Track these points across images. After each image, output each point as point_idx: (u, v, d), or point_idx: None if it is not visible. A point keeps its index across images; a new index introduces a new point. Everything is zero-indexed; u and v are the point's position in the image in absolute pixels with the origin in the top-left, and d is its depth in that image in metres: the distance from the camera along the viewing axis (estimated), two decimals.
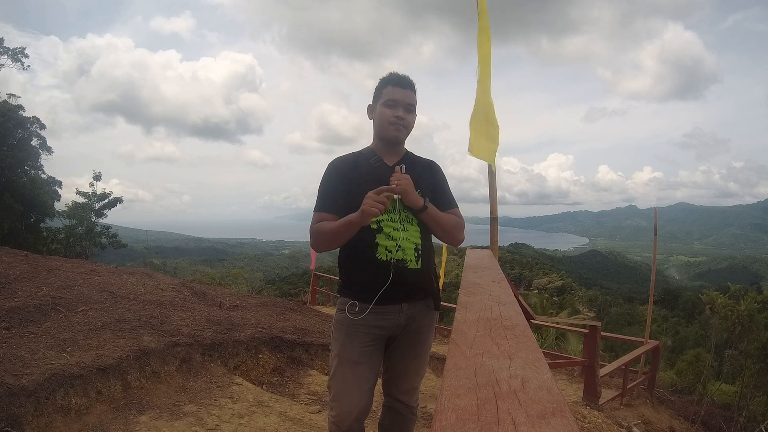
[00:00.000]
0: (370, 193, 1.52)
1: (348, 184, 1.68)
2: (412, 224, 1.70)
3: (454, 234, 1.75)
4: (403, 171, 1.65)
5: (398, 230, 1.66)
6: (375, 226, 1.64)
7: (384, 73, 1.79)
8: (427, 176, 1.82)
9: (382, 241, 1.64)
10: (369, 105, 1.83)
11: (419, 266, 1.68)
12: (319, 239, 1.65)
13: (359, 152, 1.82)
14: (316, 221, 1.68)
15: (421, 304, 1.75)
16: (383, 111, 1.73)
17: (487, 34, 2.76)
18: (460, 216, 1.82)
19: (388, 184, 1.61)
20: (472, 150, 2.69)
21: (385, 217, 1.65)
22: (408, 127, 1.77)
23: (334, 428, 1.69)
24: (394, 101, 1.73)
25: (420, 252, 1.69)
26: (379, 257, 1.64)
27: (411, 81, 1.77)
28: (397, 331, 1.72)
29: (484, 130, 2.75)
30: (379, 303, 1.64)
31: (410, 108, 1.76)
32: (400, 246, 1.64)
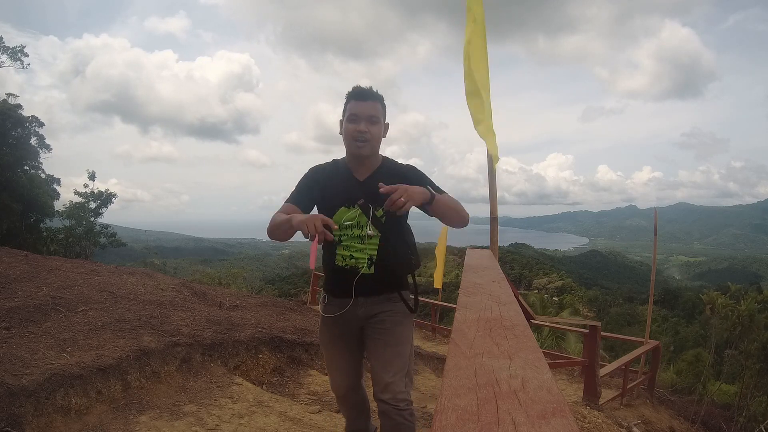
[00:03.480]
0: (321, 217, 1.60)
1: (320, 190, 1.85)
2: (373, 240, 1.84)
3: (461, 212, 1.78)
4: (380, 188, 1.59)
5: (357, 243, 1.84)
6: (337, 239, 1.83)
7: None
8: (404, 182, 1.79)
9: (340, 252, 1.86)
10: (340, 120, 1.85)
11: (372, 271, 1.84)
12: (270, 225, 1.75)
13: (335, 163, 1.92)
14: (280, 209, 1.81)
15: (382, 298, 1.87)
16: (347, 127, 1.79)
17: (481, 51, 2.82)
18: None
19: (355, 198, 1.80)
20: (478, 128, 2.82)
21: (347, 232, 1.84)
22: (373, 140, 1.78)
23: (334, 394, 2.10)
24: (356, 116, 1.76)
25: (374, 261, 1.84)
26: (336, 263, 1.87)
27: (373, 92, 1.79)
28: (362, 322, 1.89)
29: (482, 113, 2.82)
30: (339, 296, 1.88)
31: (373, 119, 1.77)
32: (353, 256, 1.85)
